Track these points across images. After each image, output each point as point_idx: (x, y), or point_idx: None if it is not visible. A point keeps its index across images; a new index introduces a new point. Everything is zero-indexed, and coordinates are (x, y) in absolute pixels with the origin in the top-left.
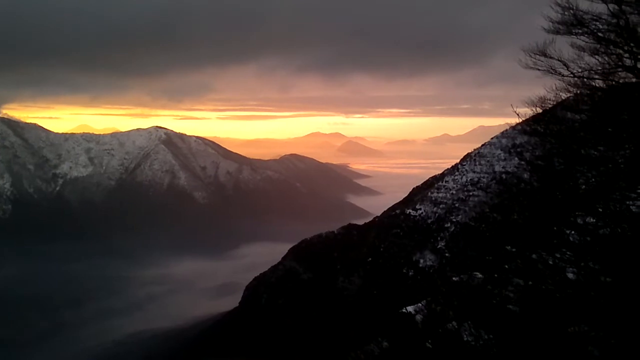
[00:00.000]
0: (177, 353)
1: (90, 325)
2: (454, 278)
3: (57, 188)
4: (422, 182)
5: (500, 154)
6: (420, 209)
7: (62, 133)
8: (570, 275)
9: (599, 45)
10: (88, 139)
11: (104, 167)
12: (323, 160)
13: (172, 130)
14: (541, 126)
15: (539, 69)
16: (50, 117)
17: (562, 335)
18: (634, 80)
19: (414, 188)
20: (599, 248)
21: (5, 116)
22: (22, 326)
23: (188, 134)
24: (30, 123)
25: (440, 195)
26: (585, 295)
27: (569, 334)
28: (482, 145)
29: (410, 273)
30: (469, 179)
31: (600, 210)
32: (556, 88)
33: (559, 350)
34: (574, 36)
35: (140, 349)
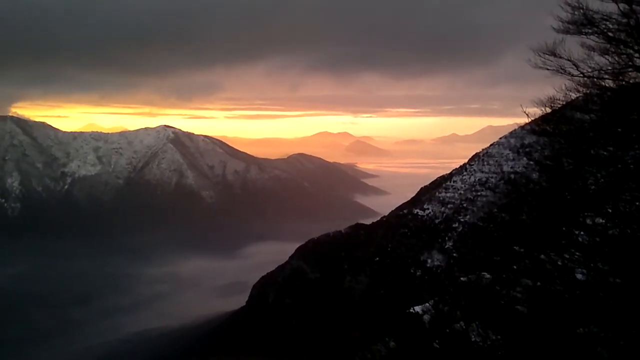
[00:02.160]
0: (183, 352)
1: (97, 323)
2: (461, 278)
3: (66, 186)
4: (430, 181)
5: (508, 154)
6: (428, 208)
7: (71, 132)
8: (579, 276)
9: (609, 45)
10: (96, 138)
11: (112, 166)
12: (331, 160)
13: (180, 130)
14: (550, 126)
15: (548, 69)
16: (59, 116)
17: (571, 336)
18: None
19: (421, 188)
20: (608, 249)
21: (15, 115)
22: (30, 323)
23: (196, 133)
24: (39, 122)
25: (448, 195)
26: (594, 296)
27: (578, 335)
28: (491, 145)
29: (418, 273)
30: (477, 179)
31: (610, 210)
32: (566, 88)
33: (568, 352)
34: (584, 36)
35: (147, 348)
